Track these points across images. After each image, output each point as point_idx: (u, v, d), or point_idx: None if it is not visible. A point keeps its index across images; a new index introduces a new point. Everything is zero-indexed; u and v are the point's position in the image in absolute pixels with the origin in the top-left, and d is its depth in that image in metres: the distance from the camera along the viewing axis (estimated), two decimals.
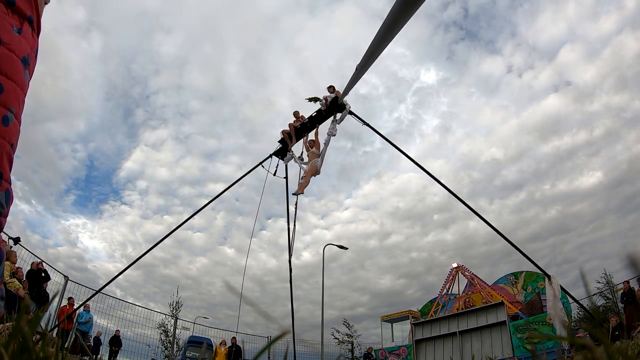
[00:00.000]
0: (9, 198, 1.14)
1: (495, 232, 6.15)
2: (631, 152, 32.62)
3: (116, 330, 12.33)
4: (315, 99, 7.97)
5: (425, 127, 51.02)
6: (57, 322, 8.99)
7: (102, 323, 12.07)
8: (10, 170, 1.15)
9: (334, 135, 7.54)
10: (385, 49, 4.53)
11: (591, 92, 37.39)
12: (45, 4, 1.24)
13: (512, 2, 45.43)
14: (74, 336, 9.36)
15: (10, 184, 1.16)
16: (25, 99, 1.23)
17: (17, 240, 7.66)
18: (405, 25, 3.78)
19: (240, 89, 50.54)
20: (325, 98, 7.69)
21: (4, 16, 0.93)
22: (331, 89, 7.87)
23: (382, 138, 7.58)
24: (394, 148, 7.31)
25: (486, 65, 46.95)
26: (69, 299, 10.36)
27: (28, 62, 1.09)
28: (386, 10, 3.60)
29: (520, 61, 44.73)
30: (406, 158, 7.14)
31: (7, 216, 1.17)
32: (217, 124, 52.73)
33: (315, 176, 7.49)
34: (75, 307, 9.81)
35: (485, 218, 6.37)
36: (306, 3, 51.04)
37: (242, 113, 50.30)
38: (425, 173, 6.88)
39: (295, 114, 8.36)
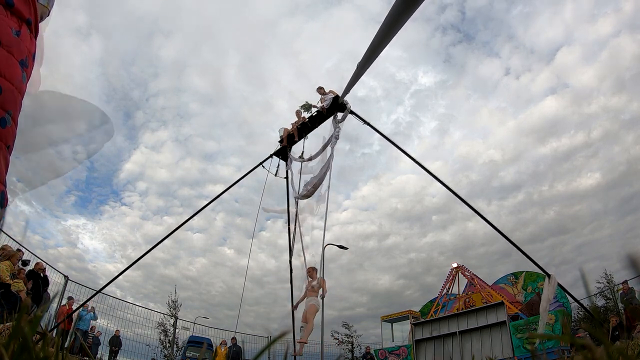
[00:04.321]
0: (3, 200, 1.13)
1: (492, 233, 6.15)
2: (629, 153, 32.57)
3: (116, 330, 12.32)
4: (308, 107, 7.95)
5: (423, 129, 50.90)
6: (56, 322, 8.99)
7: (102, 323, 12.09)
8: (6, 172, 1.13)
9: (337, 139, 7.24)
10: (384, 50, 4.54)
11: (589, 94, 37.32)
12: (41, 19, 1.20)
13: (509, 5, 45.36)
14: (74, 336, 9.37)
15: (5, 186, 1.14)
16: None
17: (25, 263, 7.84)
18: (404, 26, 3.79)
19: (239, 92, 50.49)
20: (323, 107, 7.61)
21: (3, 18, 0.92)
22: (321, 90, 7.82)
23: (382, 138, 7.58)
24: (395, 147, 7.31)
25: (483, 68, 46.87)
26: (69, 298, 10.35)
27: (26, 64, 1.07)
28: (383, 13, 3.60)
29: (517, 64, 44.63)
30: (405, 159, 7.14)
31: (2, 217, 1.16)
32: (217, 126, 52.62)
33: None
34: (74, 307, 9.81)
35: (486, 218, 6.38)
36: (304, 6, 50.99)
37: (241, 115, 50.26)
38: (425, 172, 6.89)
39: (297, 113, 8.29)
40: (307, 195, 7.46)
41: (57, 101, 0.84)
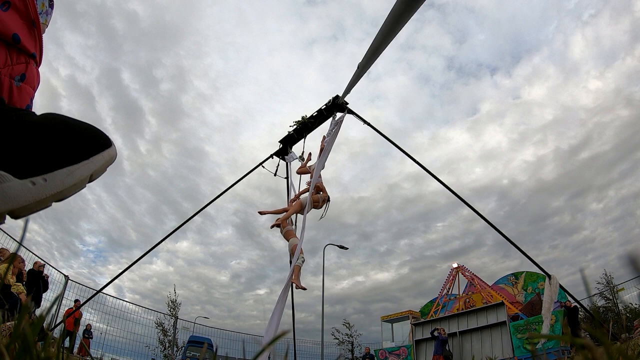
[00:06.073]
0: None
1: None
2: None
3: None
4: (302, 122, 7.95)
5: None
6: (57, 322, 8.99)
7: (102, 324, 12.07)
8: None
9: (331, 136, 7.12)
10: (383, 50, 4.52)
11: None
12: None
13: None
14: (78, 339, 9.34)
15: None
16: None
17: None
18: (405, 25, 3.78)
19: None
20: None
21: (5, 72, 0.84)
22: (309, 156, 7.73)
23: (382, 137, 7.56)
24: (396, 147, 7.30)
25: None
26: (76, 301, 10.38)
27: (30, 107, 1.02)
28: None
29: None
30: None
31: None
32: None
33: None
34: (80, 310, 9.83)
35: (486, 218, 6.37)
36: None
37: None
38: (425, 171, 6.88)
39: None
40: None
41: (59, 123, 0.82)
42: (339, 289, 36.01)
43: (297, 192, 7.46)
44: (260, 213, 6.56)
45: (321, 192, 6.29)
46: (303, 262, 5.38)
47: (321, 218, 6.23)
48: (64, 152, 0.78)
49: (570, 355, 6.15)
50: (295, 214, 6.38)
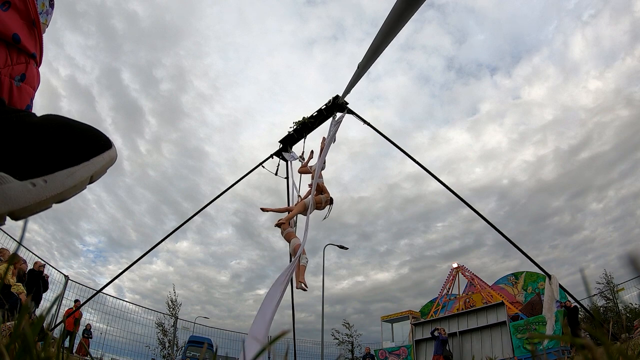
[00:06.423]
0: None
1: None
2: None
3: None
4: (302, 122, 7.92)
5: None
6: (57, 322, 9.00)
7: (102, 324, 12.07)
8: None
9: (334, 141, 7.06)
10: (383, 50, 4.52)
11: None
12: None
13: None
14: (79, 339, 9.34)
15: None
16: None
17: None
18: (405, 25, 3.78)
19: None
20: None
21: (5, 72, 0.83)
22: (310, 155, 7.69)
23: (382, 137, 7.57)
24: (395, 148, 7.30)
25: None
26: (76, 301, 10.39)
27: (30, 107, 1.02)
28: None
29: None
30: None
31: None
32: None
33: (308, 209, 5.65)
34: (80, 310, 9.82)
35: (486, 219, 6.38)
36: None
37: None
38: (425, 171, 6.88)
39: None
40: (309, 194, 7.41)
41: (59, 125, 0.82)
42: (339, 289, 36.06)
43: (299, 192, 7.49)
44: (263, 210, 6.58)
45: (323, 193, 6.28)
46: (307, 262, 5.39)
47: (324, 219, 6.23)
48: (64, 154, 0.77)
49: (570, 355, 6.15)
50: (296, 215, 6.39)
